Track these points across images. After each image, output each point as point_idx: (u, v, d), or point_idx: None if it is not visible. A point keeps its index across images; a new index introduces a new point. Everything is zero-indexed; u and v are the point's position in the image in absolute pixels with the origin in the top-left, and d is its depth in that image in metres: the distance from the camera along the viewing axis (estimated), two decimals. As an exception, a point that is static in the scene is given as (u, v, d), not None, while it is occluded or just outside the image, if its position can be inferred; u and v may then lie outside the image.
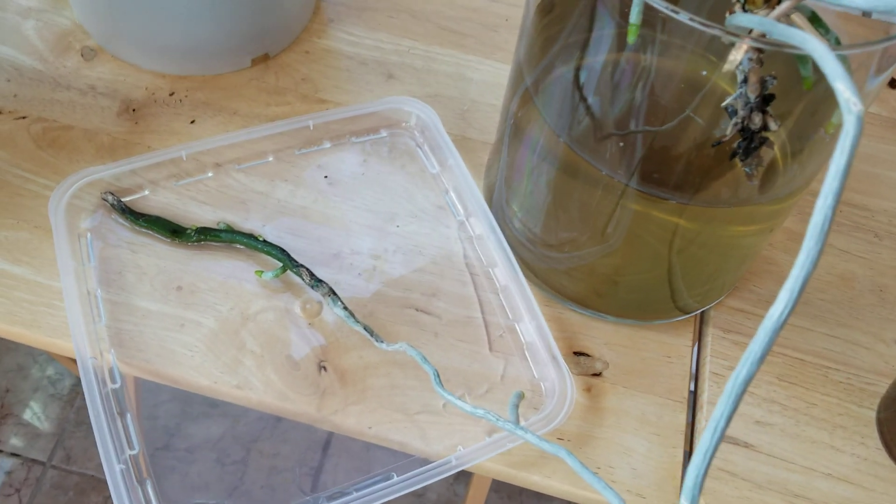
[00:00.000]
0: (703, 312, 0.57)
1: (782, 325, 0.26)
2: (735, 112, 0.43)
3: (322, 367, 0.51)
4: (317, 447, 1.24)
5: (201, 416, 1.21)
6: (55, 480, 1.20)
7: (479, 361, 0.53)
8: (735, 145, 0.43)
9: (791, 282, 0.26)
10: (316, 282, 0.52)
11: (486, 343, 0.54)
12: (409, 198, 0.59)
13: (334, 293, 0.51)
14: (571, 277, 0.55)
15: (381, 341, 0.50)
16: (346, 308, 0.51)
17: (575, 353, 0.54)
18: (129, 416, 0.49)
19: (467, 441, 0.50)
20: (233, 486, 1.17)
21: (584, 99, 0.47)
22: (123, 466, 0.46)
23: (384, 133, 0.61)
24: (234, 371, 0.51)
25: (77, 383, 1.31)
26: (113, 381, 0.50)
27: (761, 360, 0.26)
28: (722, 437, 0.27)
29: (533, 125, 0.49)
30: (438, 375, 0.47)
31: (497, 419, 0.45)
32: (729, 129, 0.42)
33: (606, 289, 0.54)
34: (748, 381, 0.26)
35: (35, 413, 1.24)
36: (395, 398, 0.51)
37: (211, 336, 0.52)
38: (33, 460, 1.21)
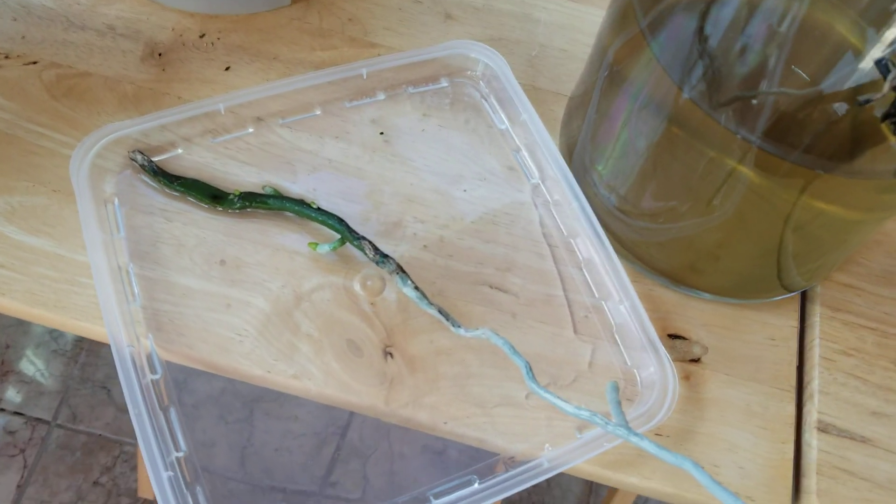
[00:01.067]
0: (807, 289, 0.51)
1: None
2: (889, 69, 0.37)
3: (388, 354, 0.45)
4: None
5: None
6: (61, 440, 1.14)
7: (564, 346, 0.47)
8: (890, 107, 0.37)
9: None
10: (381, 257, 0.45)
11: (570, 325, 0.47)
12: (476, 158, 0.52)
13: (403, 270, 0.45)
14: (665, 250, 0.49)
15: (459, 326, 0.44)
16: (417, 288, 0.44)
17: (669, 336, 0.48)
18: (173, 411, 0.43)
19: (556, 439, 0.44)
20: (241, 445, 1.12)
21: (709, 47, 0.40)
22: (171, 473, 0.40)
23: (445, 83, 0.54)
24: (289, 358, 0.45)
25: (80, 338, 1.24)
26: (153, 370, 0.43)
27: None
28: None
29: (641, 73, 0.43)
30: (531, 369, 0.41)
31: (606, 424, 0.39)
32: (887, 85, 0.36)
33: (705, 264, 0.48)
34: None
35: (38, 369, 1.18)
36: (471, 389, 0.45)
37: (262, 318, 0.45)
38: (37, 419, 1.15)
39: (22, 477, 1.12)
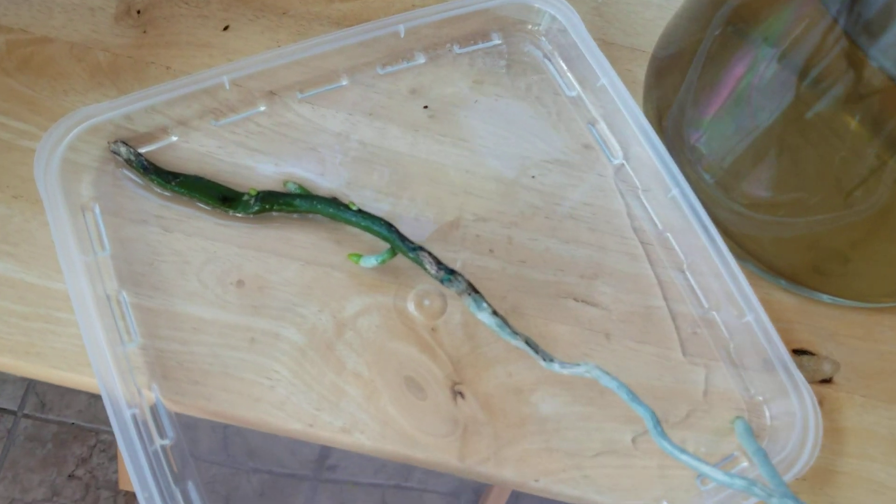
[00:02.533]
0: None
1: None
2: None
3: (457, 393, 0.36)
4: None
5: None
6: (29, 432, 1.04)
7: (671, 372, 0.38)
8: None
9: None
10: (447, 274, 0.35)
11: (676, 344, 0.38)
12: (543, 134, 0.42)
13: (475, 290, 0.35)
14: (782, 247, 0.40)
15: (552, 360, 0.34)
16: (495, 313, 0.35)
17: (794, 352, 0.39)
18: (190, 484, 0.33)
19: (674, 493, 0.36)
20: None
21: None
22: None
23: (497, 40, 0.44)
24: (335, 406, 0.35)
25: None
26: (162, 433, 0.33)
27: None
28: None
29: (780, 16, 0.33)
30: (658, 421, 0.32)
31: (770, 496, 0.30)
32: None
33: (832, 265, 0.39)
34: None
35: (-2, 355, 1.07)
36: (564, 434, 0.36)
37: (296, 355, 0.36)
38: (2, 409, 1.05)
39: (-12, 474, 1.02)
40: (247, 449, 1.02)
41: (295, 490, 1.02)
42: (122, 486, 1.01)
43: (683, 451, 0.31)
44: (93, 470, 1.03)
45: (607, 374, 0.33)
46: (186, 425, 0.35)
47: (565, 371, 0.34)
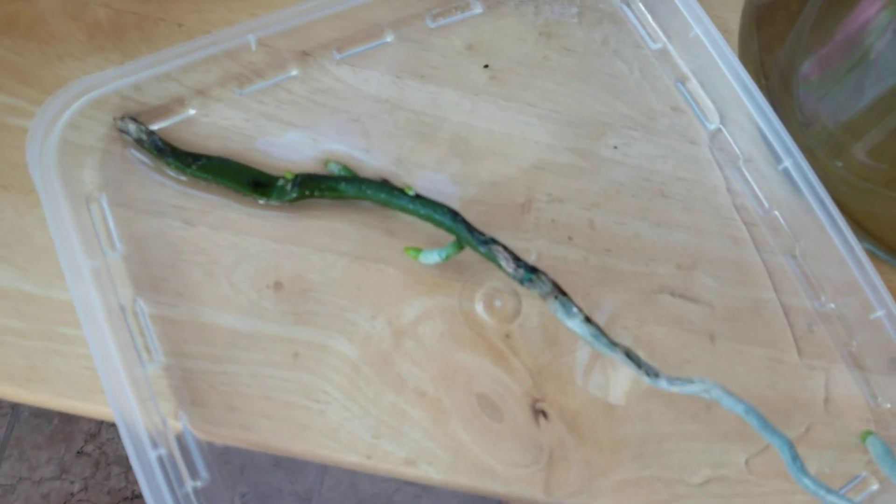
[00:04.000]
0: None
1: None
2: None
3: (539, 412, 0.30)
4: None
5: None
6: (34, 407, 0.99)
7: (786, 378, 0.32)
8: None
9: None
10: (528, 273, 0.29)
11: (791, 344, 0.33)
12: (623, 96, 0.36)
13: (562, 292, 0.29)
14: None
15: (658, 376, 0.28)
16: (588, 320, 0.29)
17: (926, 350, 0.33)
18: (230, 533, 0.28)
19: (798, 525, 0.30)
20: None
21: None
22: None
23: (566, -17, 0.37)
24: (397, 432, 0.29)
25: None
26: (194, 473, 0.28)
27: None
28: None
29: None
30: (796, 453, 0.27)
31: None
32: None
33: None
34: None
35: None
36: (666, 457, 0.30)
37: (348, 371, 0.30)
38: (4, 384, 0.99)
39: (-7, 452, 0.97)
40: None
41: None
42: (134, 462, 0.96)
43: (830, 489, 0.26)
44: (102, 446, 0.99)
45: (730, 394, 0.27)
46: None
47: (675, 389, 0.28)
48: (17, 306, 0.29)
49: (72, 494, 0.98)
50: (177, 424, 0.29)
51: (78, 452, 0.98)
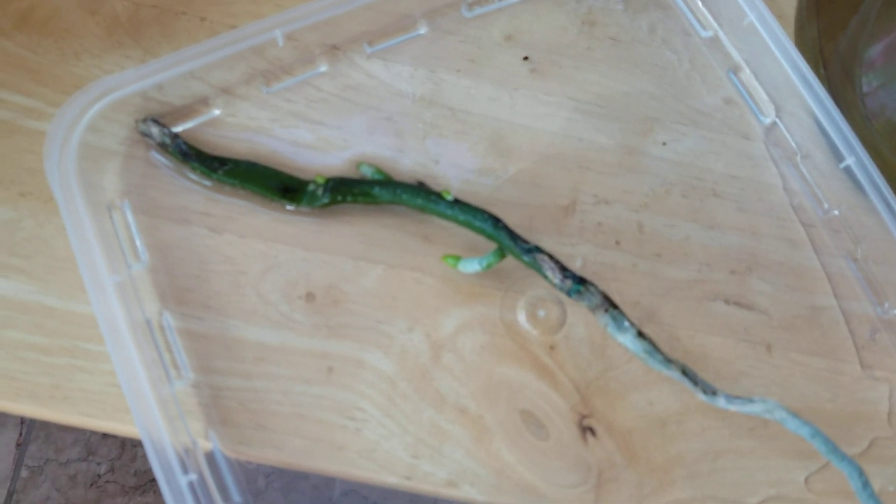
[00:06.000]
0: None
1: None
2: None
3: (587, 430, 0.29)
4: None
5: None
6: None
7: (847, 391, 0.30)
8: None
9: None
10: (575, 284, 0.28)
11: (853, 354, 0.31)
12: (672, 88, 0.34)
13: (613, 305, 0.27)
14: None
15: (715, 394, 0.27)
16: (641, 335, 0.27)
17: None
18: (264, 559, 0.26)
19: (862, 549, 0.28)
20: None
21: None
22: None
23: (609, -33, 0.35)
24: (437, 451, 0.28)
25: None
26: (226, 496, 0.26)
27: None
28: None
29: None
30: (867, 480, 0.25)
31: None
32: None
33: None
34: None
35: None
36: (722, 476, 0.29)
37: (385, 386, 0.28)
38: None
39: (20, 434, 0.97)
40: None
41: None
42: (161, 444, 0.96)
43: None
44: (129, 427, 0.98)
45: (795, 416, 0.26)
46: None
47: (734, 407, 0.27)
48: (38, 321, 0.28)
49: (98, 476, 0.98)
50: (206, 444, 0.27)
51: (104, 434, 0.98)
